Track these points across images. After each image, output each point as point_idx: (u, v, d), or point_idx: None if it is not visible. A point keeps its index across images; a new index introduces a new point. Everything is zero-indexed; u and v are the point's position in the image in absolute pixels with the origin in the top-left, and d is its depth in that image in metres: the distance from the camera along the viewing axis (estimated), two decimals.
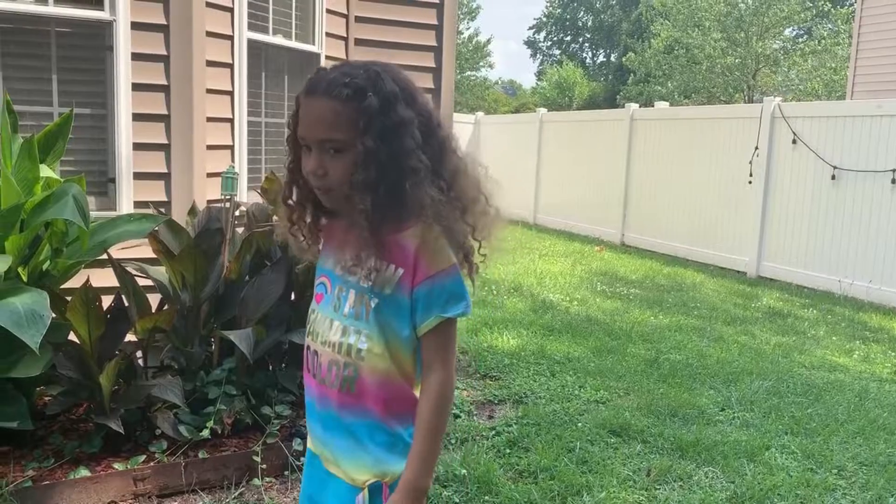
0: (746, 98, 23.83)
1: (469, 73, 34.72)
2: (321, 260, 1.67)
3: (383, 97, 1.48)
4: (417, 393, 1.55)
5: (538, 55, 47.96)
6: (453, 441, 3.78)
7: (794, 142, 8.86)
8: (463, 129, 15.31)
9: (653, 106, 12.44)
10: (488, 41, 36.69)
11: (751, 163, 9.37)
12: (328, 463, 1.61)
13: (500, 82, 45.38)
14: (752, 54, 23.23)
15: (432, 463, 1.51)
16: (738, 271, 9.49)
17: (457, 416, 4.09)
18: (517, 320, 6.20)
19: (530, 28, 50.51)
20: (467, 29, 35.65)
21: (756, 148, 9.30)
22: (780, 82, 23.63)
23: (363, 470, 1.55)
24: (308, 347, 1.64)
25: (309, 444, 1.69)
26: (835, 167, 8.37)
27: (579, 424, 4.00)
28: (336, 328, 1.57)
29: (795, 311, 7.36)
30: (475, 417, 4.14)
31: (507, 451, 3.65)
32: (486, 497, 3.17)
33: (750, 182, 9.39)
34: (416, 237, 1.50)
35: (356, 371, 1.53)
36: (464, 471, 3.35)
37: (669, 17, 26.06)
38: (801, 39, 26.78)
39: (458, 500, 3.15)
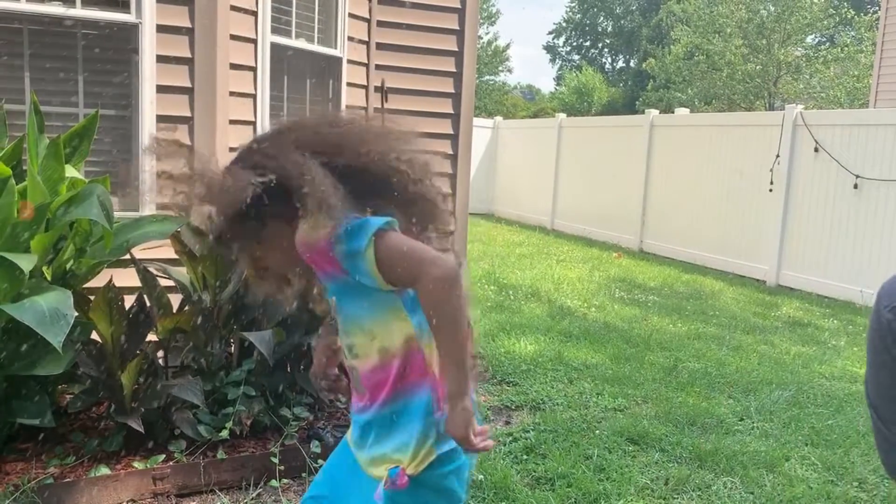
0: (767, 105, 23.66)
1: (488, 77, 34.74)
2: None
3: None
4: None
5: (557, 60, 47.87)
6: None
7: (815, 150, 8.79)
8: (481, 133, 15.31)
9: (672, 112, 12.39)
10: (507, 46, 36.70)
11: (772, 170, 9.30)
12: (365, 458, 1.67)
13: (518, 87, 45.36)
14: (774, 61, 23.07)
15: (462, 364, 1.48)
16: (758, 280, 9.42)
17: None
18: (534, 326, 6.18)
19: (549, 33, 50.47)
20: (486, 34, 35.70)
21: (777, 156, 9.23)
22: (801, 90, 23.43)
23: (382, 465, 1.60)
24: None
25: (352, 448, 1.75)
26: (857, 176, 8.29)
27: (597, 432, 3.99)
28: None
29: (816, 320, 7.29)
30: (492, 423, 4.14)
31: (524, 457, 3.65)
32: (503, 503, 3.16)
33: (771, 190, 9.32)
34: (300, 234, 1.56)
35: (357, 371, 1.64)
36: (480, 476, 3.35)
37: (690, 23, 25.94)
38: (823, 47, 26.56)
39: None
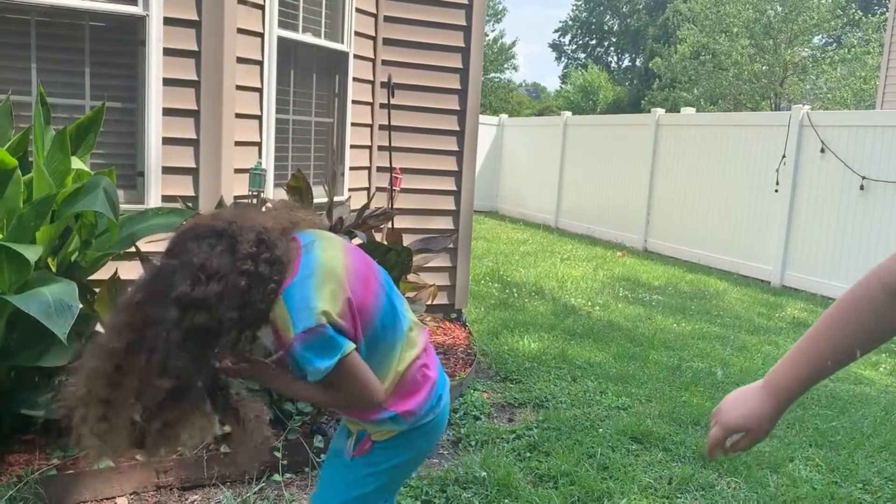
0: (773, 105, 23.60)
1: (493, 74, 34.71)
2: None
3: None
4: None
5: (563, 58, 47.80)
6: (473, 443, 3.77)
7: (822, 150, 8.76)
8: (486, 131, 15.30)
9: (678, 111, 12.36)
10: (513, 43, 36.69)
11: (777, 171, 9.27)
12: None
13: (524, 85, 45.32)
14: (780, 61, 22.99)
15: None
16: (762, 280, 9.40)
17: (476, 419, 4.09)
18: (538, 324, 6.18)
19: (556, 31, 50.35)
20: (492, 31, 35.67)
21: (783, 156, 9.20)
22: (807, 90, 23.36)
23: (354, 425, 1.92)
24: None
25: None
26: (863, 177, 8.26)
27: (600, 430, 3.98)
28: None
29: None
30: (495, 420, 4.13)
31: (528, 454, 3.64)
32: (506, 500, 3.15)
33: (776, 190, 9.30)
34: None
35: None
36: (484, 473, 3.34)
37: (697, 22, 25.85)
38: (830, 47, 26.47)
39: (477, 503, 3.14)
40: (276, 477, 3.21)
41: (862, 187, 8.28)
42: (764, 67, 23.29)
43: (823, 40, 27.95)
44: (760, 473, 3.59)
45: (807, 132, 8.98)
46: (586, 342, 5.75)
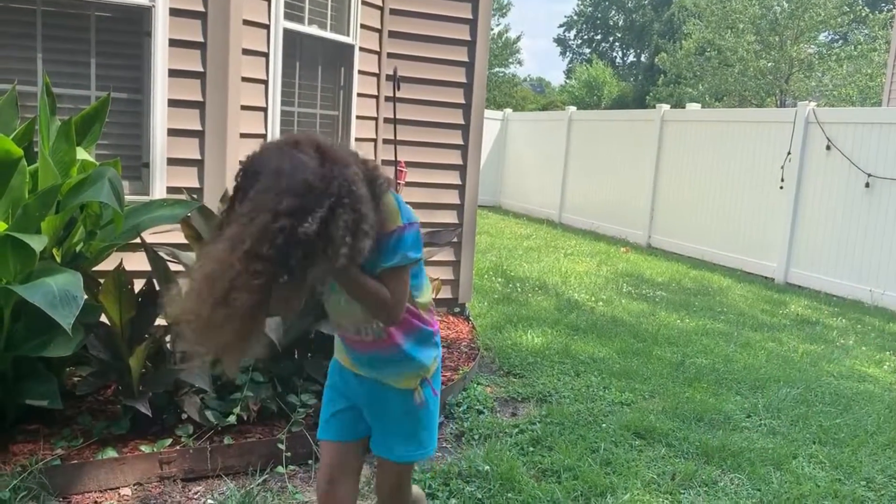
0: (778, 102, 23.52)
1: (498, 69, 34.63)
2: None
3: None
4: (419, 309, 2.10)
5: (568, 53, 47.72)
6: (476, 437, 3.77)
7: (827, 148, 8.73)
8: (490, 125, 15.27)
9: (683, 107, 12.32)
10: (518, 38, 36.58)
11: (782, 168, 9.24)
12: (376, 377, 2.11)
13: (528, 79, 45.23)
14: (786, 58, 22.91)
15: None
16: (766, 277, 9.38)
17: (480, 413, 4.09)
18: (542, 318, 6.17)
19: (560, 26, 50.20)
20: (497, 25, 35.57)
21: (788, 153, 9.17)
22: (813, 87, 23.28)
23: (411, 381, 2.11)
24: None
25: (348, 366, 2.17)
26: (869, 175, 8.24)
27: (604, 425, 3.98)
28: None
29: (824, 319, 7.26)
30: (498, 414, 4.13)
31: (531, 449, 3.64)
32: (509, 494, 3.15)
33: (781, 187, 9.27)
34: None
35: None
36: (487, 467, 3.34)
37: (702, 18, 25.77)
38: (836, 44, 26.37)
39: (480, 497, 3.14)
40: (280, 469, 3.21)
41: (867, 185, 8.25)
42: (769, 64, 23.22)
43: (830, 37, 27.85)
44: (764, 470, 3.58)
45: (812, 129, 8.95)
46: (590, 337, 5.74)
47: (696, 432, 3.98)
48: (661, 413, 4.22)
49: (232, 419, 3.29)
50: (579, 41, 47.25)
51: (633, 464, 3.54)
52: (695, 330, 6.33)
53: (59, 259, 3.30)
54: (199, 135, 4.08)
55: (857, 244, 8.39)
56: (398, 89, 5.37)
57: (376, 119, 5.48)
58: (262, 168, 1.69)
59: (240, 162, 1.76)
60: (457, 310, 5.90)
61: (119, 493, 2.97)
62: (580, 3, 46.25)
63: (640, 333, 5.99)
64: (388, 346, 2.05)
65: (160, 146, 4.01)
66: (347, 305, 1.98)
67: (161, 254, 3.46)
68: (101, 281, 3.18)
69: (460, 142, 5.71)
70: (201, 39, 4.02)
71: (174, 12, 3.95)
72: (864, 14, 23.00)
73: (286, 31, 4.56)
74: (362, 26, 5.17)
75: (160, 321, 3.47)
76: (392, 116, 5.40)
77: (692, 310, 7.15)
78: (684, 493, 3.32)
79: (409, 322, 2.07)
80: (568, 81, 42.38)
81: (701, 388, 4.74)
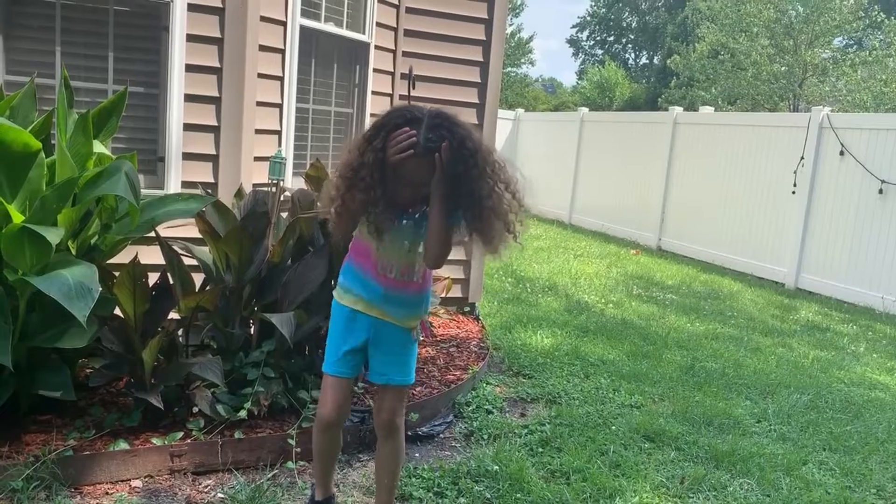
0: (791, 107, 23.40)
1: (510, 69, 34.59)
2: None
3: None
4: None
5: (580, 54, 47.58)
6: (485, 436, 3.78)
7: (841, 153, 8.69)
8: (502, 125, 15.24)
9: (696, 110, 12.28)
10: (531, 38, 36.55)
11: (795, 172, 9.21)
12: (388, 319, 2.52)
13: (540, 80, 45.17)
14: (800, 63, 22.78)
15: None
16: (777, 282, 9.35)
17: (489, 412, 4.09)
18: (551, 319, 6.17)
19: (573, 26, 50.14)
20: (510, 25, 35.53)
21: (802, 158, 9.14)
22: (827, 92, 23.13)
23: (414, 321, 2.57)
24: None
25: (361, 310, 2.53)
26: (883, 181, 8.19)
27: (613, 427, 3.97)
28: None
29: (835, 325, 7.23)
30: (507, 414, 4.13)
31: (540, 450, 3.64)
32: (518, 495, 3.15)
33: (794, 192, 9.24)
34: None
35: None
36: (496, 467, 3.34)
37: (716, 21, 25.64)
38: (851, 49, 26.20)
39: (489, 496, 3.14)
40: (290, 464, 3.23)
41: (881, 191, 8.21)
42: (783, 68, 23.09)
43: (844, 42, 27.67)
44: (773, 476, 3.57)
45: (826, 134, 8.91)
46: (599, 339, 5.74)
47: (706, 436, 3.97)
48: (670, 416, 4.22)
49: (243, 414, 3.30)
50: (592, 42, 47.11)
51: (643, 466, 3.54)
52: (705, 334, 6.31)
53: (74, 251, 3.32)
54: (215, 130, 4.10)
55: (869, 250, 8.35)
56: (413, 88, 5.38)
57: None
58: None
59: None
60: (466, 309, 5.91)
61: (130, 485, 2.99)
62: (593, 4, 46.10)
63: (649, 336, 5.97)
64: (416, 288, 2.51)
65: (176, 141, 4.03)
66: (408, 249, 2.43)
67: (175, 248, 3.48)
68: (116, 274, 3.20)
69: None
70: (218, 35, 4.03)
71: (192, 8, 3.97)
72: (879, 19, 22.83)
73: (303, 28, 4.57)
74: (378, 24, 5.18)
75: (173, 315, 3.49)
76: None
77: (702, 313, 7.13)
78: (693, 497, 3.32)
79: (430, 273, 2.55)
80: (580, 82, 42.29)
81: (711, 392, 4.73)
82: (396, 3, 5.35)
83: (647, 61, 44.34)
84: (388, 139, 2.24)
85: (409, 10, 5.41)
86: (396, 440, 2.65)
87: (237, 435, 3.25)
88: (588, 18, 46.45)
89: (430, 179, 2.28)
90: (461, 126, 2.31)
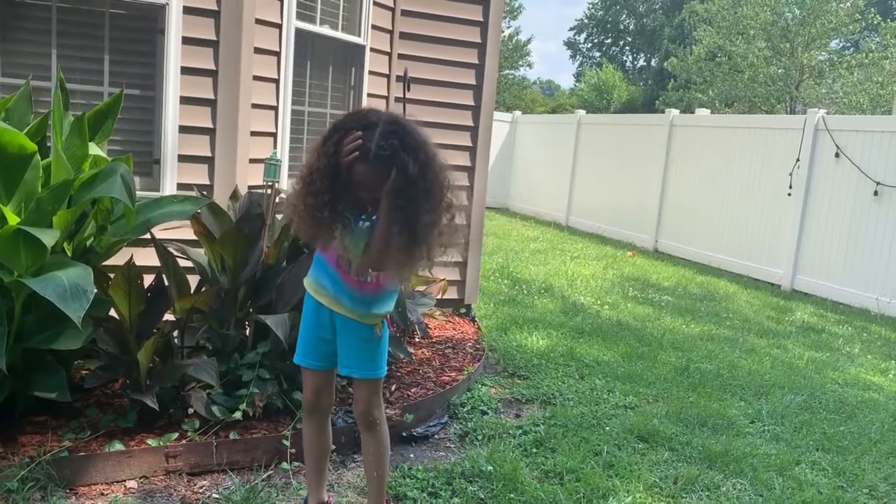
0: (788, 109, 23.46)
1: (507, 71, 34.64)
2: None
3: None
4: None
5: (578, 56, 47.62)
6: (480, 437, 3.79)
7: (836, 155, 8.72)
8: (499, 127, 15.28)
9: (693, 113, 12.31)
10: (528, 41, 36.58)
11: (791, 175, 9.24)
12: (347, 314, 2.56)
13: (538, 82, 45.22)
14: (797, 65, 22.85)
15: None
16: (772, 284, 9.37)
17: (483, 413, 4.10)
18: (547, 321, 6.18)
19: (571, 29, 50.16)
20: (508, 27, 35.57)
21: (797, 160, 9.16)
22: (823, 94, 23.20)
23: (375, 318, 2.61)
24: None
25: (325, 303, 2.59)
26: (878, 183, 8.22)
27: (607, 428, 3.99)
28: None
29: (830, 326, 7.25)
30: (502, 415, 4.15)
31: (534, 450, 3.65)
32: (512, 495, 3.17)
33: (789, 194, 9.26)
34: None
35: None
36: (490, 467, 3.36)
37: (713, 23, 25.71)
38: (847, 52, 26.28)
39: (483, 496, 3.16)
40: (285, 465, 3.24)
41: (876, 193, 8.24)
42: (780, 70, 23.16)
43: (841, 44, 27.76)
44: (766, 476, 3.59)
45: (822, 136, 8.94)
46: (595, 341, 5.75)
47: (700, 437, 3.99)
48: (664, 417, 4.23)
49: (238, 415, 3.32)
50: (589, 44, 47.16)
51: (636, 467, 3.55)
52: (700, 335, 6.33)
53: (69, 253, 3.33)
54: (210, 132, 4.11)
55: (864, 252, 8.38)
56: (408, 90, 5.40)
57: None
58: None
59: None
60: (462, 310, 5.92)
61: (125, 486, 3.00)
62: (591, 6, 46.17)
63: (645, 337, 5.99)
64: (371, 288, 2.55)
65: (171, 143, 4.04)
66: (363, 251, 2.42)
67: (171, 249, 3.49)
68: (111, 275, 3.22)
69: (469, 143, 5.73)
70: (214, 38, 4.05)
71: (188, 10, 3.99)
72: (875, 22, 22.92)
73: (298, 31, 4.59)
74: (373, 27, 5.20)
75: (168, 316, 3.50)
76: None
77: (698, 315, 7.15)
78: (686, 497, 3.33)
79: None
80: (577, 85, 42.34)
81: (705, 393, 4.75)
82: (392, 5, 5.37)
83: (645, 64, 44.40)
84: (340, 143, 2.28)
85: (405, 13, 5.43)
86: (377, 432, 2.68)
87: (232, 436, 3.27)
88: (585, 21, 46.50)
89: (382, 186, 2.29)
90: (414, 135, 2.31)
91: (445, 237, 2.40)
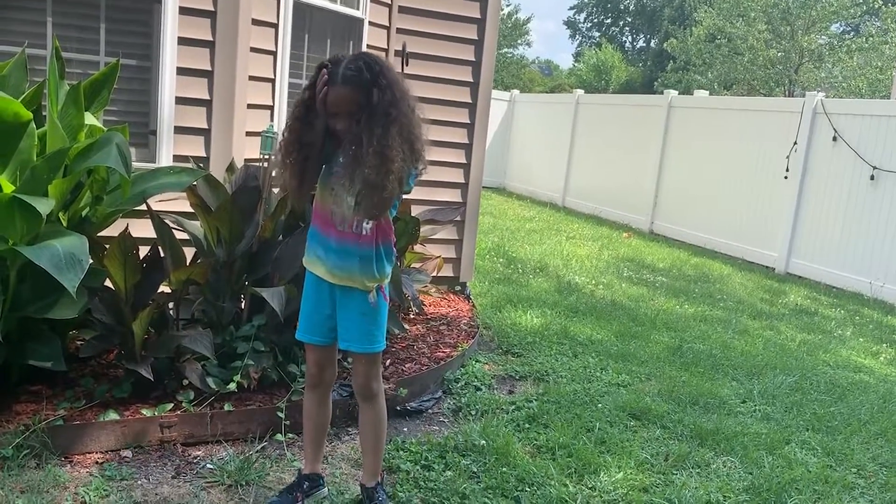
0: (787, 92, 23.40)
1: (506, 50, 34.44)
2: None
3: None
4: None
5: (577, 36, 47.42)
6: (473, 412, 3.82)
7: (834, 139, 8.72)
8: (497, 106, 15.20)
9: (691, 94, 12.27)
10: (528, 19, 36.37)
11: (788, 158, 9.23)
12: (345, 281, 2.58)
13: (536, 61, 44.99)
14: (797, 48, 22.76)
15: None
16: (767, 266, 9.40)
17: (477, 389, 4.13)
18: (541, 300, 6.20)
19: (571, 8, 49.85)
20: (507, 6, 35.31)
21: (795, 143, 9.16)
22: (822, 78, 23.14)
23: (371, 283, 2.59)
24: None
25: (322, 275, 2.62)
26: (874, 167, 8.23)
27: (599, 405, 4.01)
28: None
29: (823, 309, 7.29)
30: (495, 391, 4.17)
31: (527, 426, 3.68)
32: (504, 469, 3.19)
33: (786, 177, 9.27)
34: None
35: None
36: (483, 442, 3.38)
37: (714, 5, 25.57)
38: (847, 36, 26.17)
39: (475, 470, 3.18)
40: (279, 437, 3.26)
41: (872, 177, 8.25)
42: (779, 54, 23.08)
43: (841, 28, 27.64)
44: (756, 454, 3.62)
45: (819, 119, 8.93)
46: (588, 320, 5.78)
47: (691, 415, 4.02)
48: (656, 395, 4.26)
49: (232, 386, 3.33)
50: (589, 24, 46.94)
51: (628, 444, 3.58)
52: (693, 316, 6.36)
53: (65, 223, 3.32)
54: (207, 104, 4.09)
55: (859, 236, 8.40)
56: (406, 65, 5.36)
57: None
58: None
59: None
60: (457, 288, 5.93)
61: (119, 455, 3.01)
62: None
63: (638, 317, 6.02)
64: (367, 241, 2.54)
65: (168, 114, 4.02)
66: (349, 205, 2.49)
67: (167, 221, 3.48)
68: (107, 246, 3.21)
69: (466, 120, 5.71)
70: (211, 8, 4.01)
71: None
72: (876, 6, 22.80)
73: (296, 3, 4.55)
74: (372, 0, 5.16)
75: (164, 288, 3.50)
76: None
77: (691, 296, 7.18)
78: (677, 474, 3.36)
79: (385, 232, 2.60)
80: (576, 65, 42.15)
81: (697, 372, 4.78)
82: None
83: (644, 44, 44.21)
84: (315, 82, 2.43)
85: None
86: (375, 405, 2.73)
87: (227, 407, 3.28)
88: (586, 1, 46.21)
89: (356, 111, 2.38)
90: (381, 63, 2.43)
91: (408, 164, 2.49)
